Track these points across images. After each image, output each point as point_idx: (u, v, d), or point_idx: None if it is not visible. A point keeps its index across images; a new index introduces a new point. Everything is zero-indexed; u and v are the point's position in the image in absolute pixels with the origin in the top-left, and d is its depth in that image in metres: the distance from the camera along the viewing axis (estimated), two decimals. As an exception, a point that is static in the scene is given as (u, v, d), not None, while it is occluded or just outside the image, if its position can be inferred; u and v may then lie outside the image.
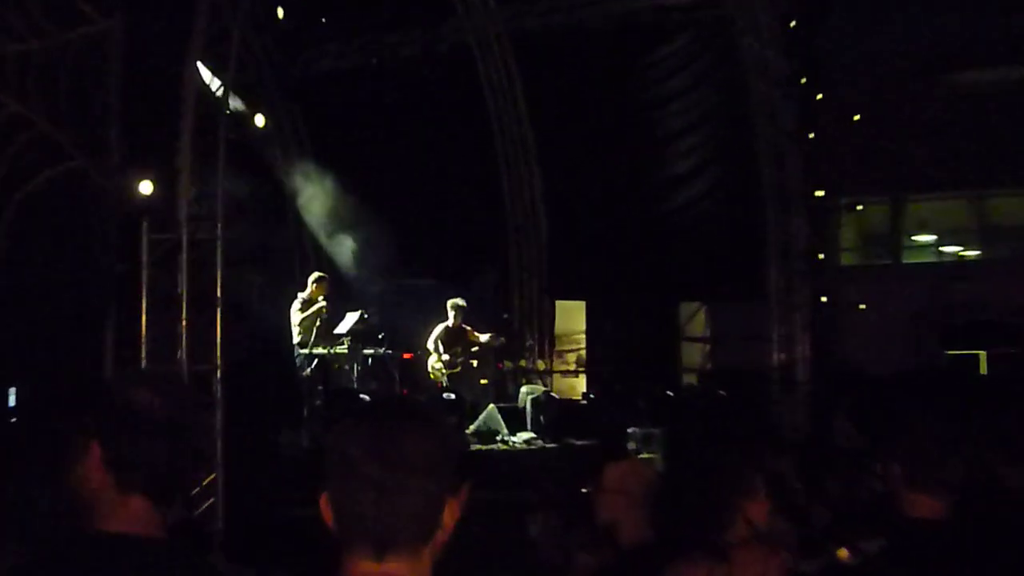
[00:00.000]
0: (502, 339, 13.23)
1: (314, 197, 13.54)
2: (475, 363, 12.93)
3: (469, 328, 12.91)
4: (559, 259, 15.52)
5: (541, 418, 12.23)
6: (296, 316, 11.96)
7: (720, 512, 3.02)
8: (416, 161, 14.05)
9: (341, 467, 1.71)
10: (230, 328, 9.16)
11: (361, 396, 11.37)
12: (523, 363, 14.75)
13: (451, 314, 12.80)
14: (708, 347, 15.93)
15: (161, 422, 2.16)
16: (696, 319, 16.08)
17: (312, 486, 1.80)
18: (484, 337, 12.91)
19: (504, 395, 13.49)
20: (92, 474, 2.15)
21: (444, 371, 12.71)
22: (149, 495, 2.15)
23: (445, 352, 12.72)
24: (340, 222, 13.69)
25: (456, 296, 12.93)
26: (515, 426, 12.05)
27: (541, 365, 15.29)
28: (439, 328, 12.79)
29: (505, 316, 14.63)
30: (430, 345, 12.78)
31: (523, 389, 13.01)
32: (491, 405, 12.26)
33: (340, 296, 12.77)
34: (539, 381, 14.27)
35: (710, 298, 15.52)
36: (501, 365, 13.81)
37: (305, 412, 11.41)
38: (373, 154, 13.82)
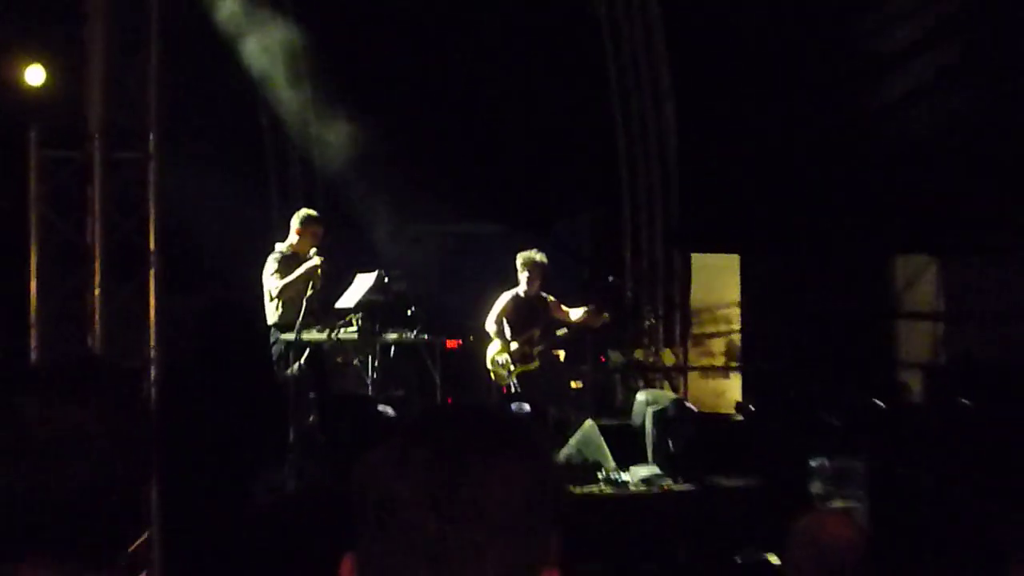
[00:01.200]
0: (605, 316, 13.23)
1: (303, 94, 13.58)
2: (562, 355, 12.92)
3: (553, 299, 12.98)
4: (696, 192, 15.47)
5: (670, 443, 12.20)
6: (274, 281, 11.94)
7: None
8: (469, 45, 14.09)
9: (379, 518, 1.76)
10: (170, 300, 9.15)
11: (380, 408, 11.55)
12: (640, 354, 14.76)
13: (523, 277, 12.88)
14: (942, 328, 15.89)
15: (90, 447, 2.15)
16: (922, 284, 16.06)
17: (304, 551, 1.65)
18: (577, 313, 12.97)
19: (609, 405, 13.65)
20: None
21: (513, 367, 12.78)
22: (59, 565, 2.14)
23: (515, 337, 12.76)
24: (348, 138, 13.73)
25: (532, 249, 12.96)
26: (628, 455, 12.06)
27: (669, 358, 15.32)
28: (505, 299, 12.91)
29: (611, 279, 14.60)
30: (490, 326, 12.90)
31: (640, 397, 12.95)
32: (588, 421, 12.34)
33: (345, 248, 12.76)
34: (666, 384, 14.27)
35: (946, 250, 15.45)
36: (604, 358, 13.79)
37: (291, 435, 11.43)
38: (401, 33, 13.87)
